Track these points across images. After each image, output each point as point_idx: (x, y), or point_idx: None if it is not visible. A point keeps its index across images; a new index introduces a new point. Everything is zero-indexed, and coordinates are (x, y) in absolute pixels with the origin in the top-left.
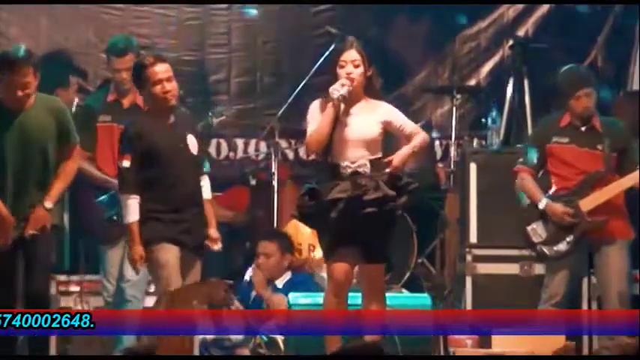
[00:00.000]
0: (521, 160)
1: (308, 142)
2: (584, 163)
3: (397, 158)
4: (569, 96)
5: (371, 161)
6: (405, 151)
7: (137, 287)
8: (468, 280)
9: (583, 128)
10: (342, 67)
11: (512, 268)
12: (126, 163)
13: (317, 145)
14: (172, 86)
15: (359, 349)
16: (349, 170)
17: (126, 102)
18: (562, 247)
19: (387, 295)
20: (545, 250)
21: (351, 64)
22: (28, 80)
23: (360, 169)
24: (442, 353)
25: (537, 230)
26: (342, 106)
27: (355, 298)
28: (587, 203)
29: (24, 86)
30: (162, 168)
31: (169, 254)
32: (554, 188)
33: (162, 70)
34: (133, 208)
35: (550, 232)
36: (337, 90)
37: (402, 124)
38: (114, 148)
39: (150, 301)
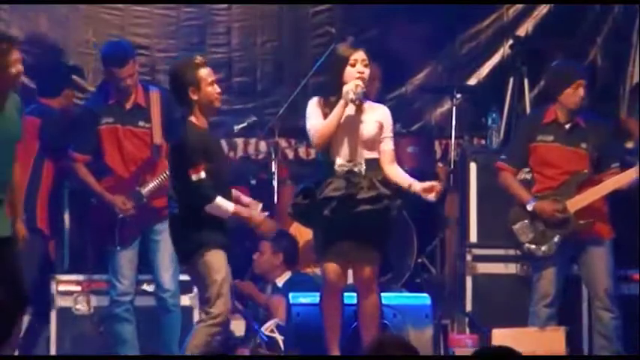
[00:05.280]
0: (503, 156)
1: (314, 135)
2: (568, 162)
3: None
4: (564, 87)
5: (367, 160)
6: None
7: (177, 296)
8: (468, 280)
9: (567, 126)
10: (353, 65)
11: (512, 268)
12: (202, 175)
13: (323, 139)
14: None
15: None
16: (345, 169)
17: (128, 104)
18: (549, 246)
19: (387, 294)
20: (533, 249)
21: (362, 63)
22: None
23: (356, 168)
24: (442, 353)
25: (524, 229)
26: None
27: (351, 298)
28: (574, 204)
29: None
30: (215, 172)
31: (222, 259)
32: (536, 187)
33: (209, 72)
34: (225, 203)
35: (537, 231)
36: (353, 91)
37: (387, 136)
38: (122, 149)
39: (144, 301)
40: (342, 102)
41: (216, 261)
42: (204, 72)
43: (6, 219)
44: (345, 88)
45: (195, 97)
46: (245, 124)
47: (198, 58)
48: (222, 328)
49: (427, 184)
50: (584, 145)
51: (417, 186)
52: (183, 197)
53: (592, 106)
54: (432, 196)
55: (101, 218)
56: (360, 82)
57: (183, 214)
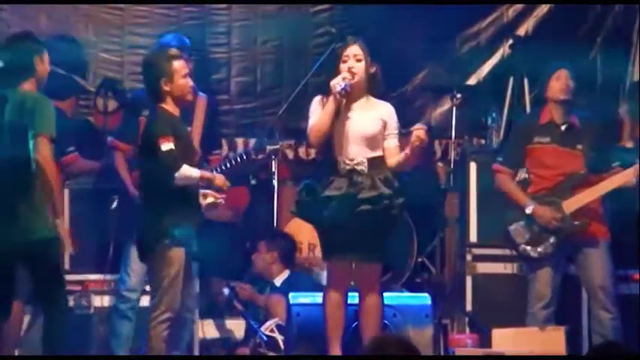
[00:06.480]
0: (500, 158)
1: (308, 133)
2: (565, 163)
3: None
4: (548, 78)
5: (369, 159)
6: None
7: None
8: (468, 280)
9: (563, 127)
10: (345, 61)
11: (512, 268)
12: (172, 145)
13: (317, 136)
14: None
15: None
16: (347, 167)
17: None
18: (545, 248)
19: (387, 294)
20: (529, 250)
21: (354, 58)
22: None
23: (358, 167)
24: (442, 353)
25: (519, 230)
26: (344, 100)
27: (353, 298)
28: (570, 205)
29: None
30: (182, 154)
31: (181, 256)
32: (531, 188)
33: (183, 64)
34: (191, 170)
35: (533, 232)
36: (339, 84)
37: (391, 133)
38: None
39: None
40: (331, 97)
41: (174, 256)
42: (178, 64)
43: None
44: (331, 83)
45: (167, 89)
46: (278, 146)
47: (173, 50)
48: (172, 323)
49: (412, 137)
50: (579, 147)
51: (408, 148)
52: (151, 174)
53: (593, 105)
54: (422, 141)
55: (122, 212)
56: (346, 75)
57: (149, 204)
